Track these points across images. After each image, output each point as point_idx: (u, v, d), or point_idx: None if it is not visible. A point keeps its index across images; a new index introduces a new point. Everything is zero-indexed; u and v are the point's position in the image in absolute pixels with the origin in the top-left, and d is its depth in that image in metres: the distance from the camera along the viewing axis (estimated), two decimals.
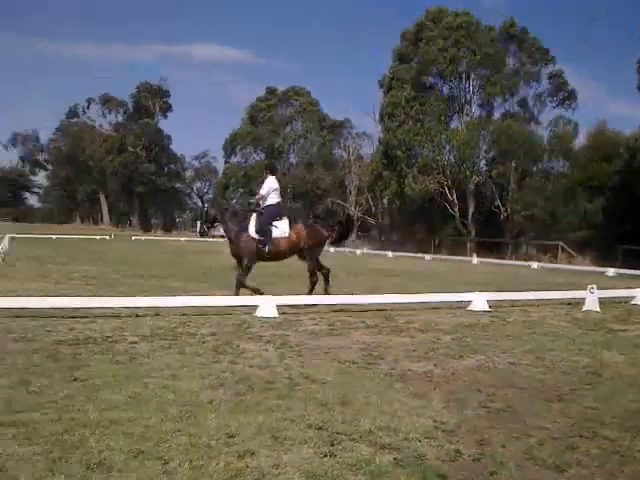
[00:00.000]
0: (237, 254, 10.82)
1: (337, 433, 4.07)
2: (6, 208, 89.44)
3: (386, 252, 37.78)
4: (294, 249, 10.88)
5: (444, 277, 19.59)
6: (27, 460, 3.45)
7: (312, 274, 10.97)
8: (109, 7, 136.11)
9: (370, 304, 10.67)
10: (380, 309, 10.42)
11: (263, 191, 10.94)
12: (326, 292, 10.90)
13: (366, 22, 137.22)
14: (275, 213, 10.81)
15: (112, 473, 3.32)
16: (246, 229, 10.67)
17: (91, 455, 3.54)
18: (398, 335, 8.11)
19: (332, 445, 3.84)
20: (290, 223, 10.82)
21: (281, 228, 10.70)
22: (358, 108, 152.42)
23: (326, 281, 11.05)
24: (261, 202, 10.98)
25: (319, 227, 11.43)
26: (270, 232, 10.60)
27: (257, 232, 10.60)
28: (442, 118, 46.11)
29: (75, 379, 5.17)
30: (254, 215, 10.80)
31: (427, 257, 33.54)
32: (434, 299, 11.35)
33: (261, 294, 10.09)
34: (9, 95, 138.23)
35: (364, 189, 59.01)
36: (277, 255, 10.87)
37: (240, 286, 10.50)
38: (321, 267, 11.07)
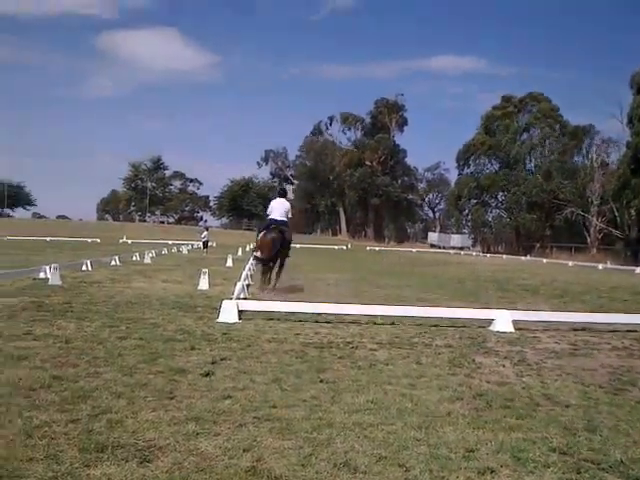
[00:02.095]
0: None
1: (584, 460, 3.84)
2: (258, 220, 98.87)
3: (634, 267, 34.36)
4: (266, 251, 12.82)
5: None
6: (281, 453, 3.76)
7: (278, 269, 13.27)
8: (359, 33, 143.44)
9: (618, 324, 9.84)
10: (630, 330, 9.56)
11: (267, 210, 13.48)
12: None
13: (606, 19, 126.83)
14: (265, 225, 13.17)
15: (357, 474, 3.48)
16: None
17: (337, 455, 3.75)
18: None
19: (578, 473, 3.63)
20: (268, 232, 12.86)
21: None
22: (603, 112, 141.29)
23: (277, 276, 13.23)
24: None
25: (268, 234, 12.83)
26: (256, 239, 13.39)
27: None
28: None
29: (321, 380, 5.54)
30: None
31: None
32: None
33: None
34: (262, 116, 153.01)
35: (608, 198, 54.44)
36: (265, 256, 12.90)
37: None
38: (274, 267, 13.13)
